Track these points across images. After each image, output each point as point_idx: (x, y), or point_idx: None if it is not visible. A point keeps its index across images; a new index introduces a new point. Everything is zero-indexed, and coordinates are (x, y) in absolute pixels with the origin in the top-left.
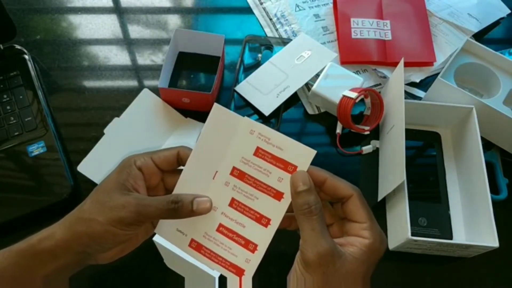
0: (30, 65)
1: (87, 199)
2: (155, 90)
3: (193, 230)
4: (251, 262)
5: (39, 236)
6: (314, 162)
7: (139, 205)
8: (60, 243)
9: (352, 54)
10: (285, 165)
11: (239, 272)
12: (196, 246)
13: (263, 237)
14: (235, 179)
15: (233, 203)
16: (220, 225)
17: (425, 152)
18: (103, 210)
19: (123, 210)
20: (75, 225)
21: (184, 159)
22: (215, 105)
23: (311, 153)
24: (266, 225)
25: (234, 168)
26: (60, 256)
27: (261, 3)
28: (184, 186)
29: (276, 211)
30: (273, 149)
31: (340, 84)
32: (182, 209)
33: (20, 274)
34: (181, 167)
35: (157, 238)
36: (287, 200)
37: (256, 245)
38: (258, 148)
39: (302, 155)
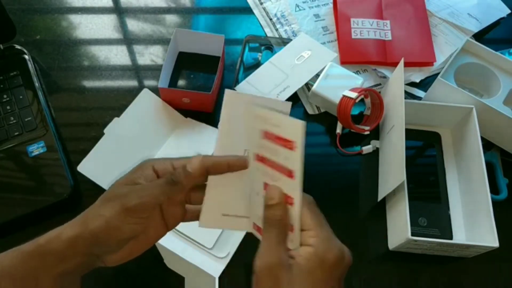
0: (30, 65)
1: (99, 198)
2: (155, 90)
3: (253, 215)
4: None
5: (47, 237)
6: (314, 163)
7: (142, 189)
8: (67, 244)
9: (352, 54)
10: (285, 142)
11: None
12: (258, 229)
13: (292, 217)
14: (260, 164)
15: (266, 188)
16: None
17: (425, 152)
18: (109, 204)
19: (126, 198)
20: (82, 223)
21: (207, 169)
22: (227, 90)
23: (300, 124)
24: (292, 204)
25: (255, 154)
26: (68, 258)
27: (261, 3)
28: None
29: (292, 189)
30: (274, 129)
31: (340, 84)
32: (180, 176)
33: (28, 275)
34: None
35: None
36: (298, 176)
37: (291, 226)
38: (264, 131)
39: (293, 128)
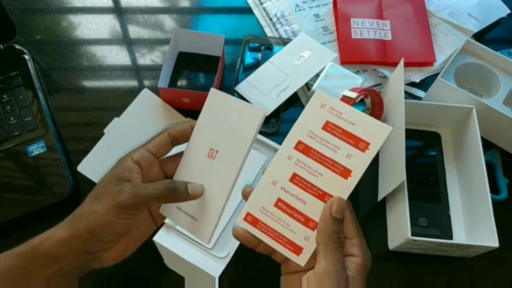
0: (30, 65)
1: (86, 197)
2: (155, 90)
3: (249, 204)
4: (310, 240)
5: (41, 238)
6: None
7: (135, 187)
8: (60, 243)
9: (352, 54)
10: (356, 142)
11: (297, 250)
12: (252, 220)
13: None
14: (299, 153)
15: (295, 179)
16: (279, 200)
17: (425, 152)
18: (101, 201)
19: (120, 195)
20: (74, 222)
21: (176, 137)
22: (212, 89)
23: (387, 129)
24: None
25: (299, 141)
26: (61, 257)
27: (261, 3)
28: (184, 169)
29: (341, 189)
30: (345, 124)
31: (340, 84)
32: (179, 190)
33: (21, 276)
34: (175, 148)
35: (157, 238)
36: (354, 178)
37: (316, 223)
38: (327, 123)
39: (376, 131)
